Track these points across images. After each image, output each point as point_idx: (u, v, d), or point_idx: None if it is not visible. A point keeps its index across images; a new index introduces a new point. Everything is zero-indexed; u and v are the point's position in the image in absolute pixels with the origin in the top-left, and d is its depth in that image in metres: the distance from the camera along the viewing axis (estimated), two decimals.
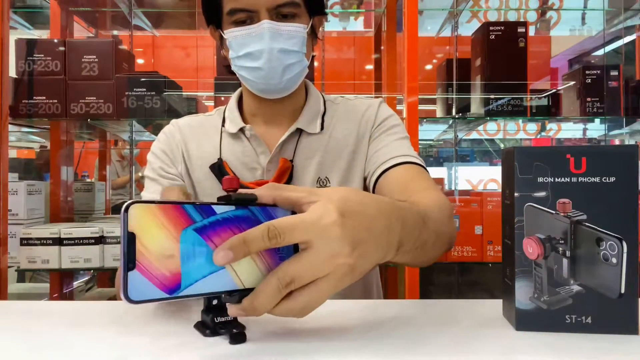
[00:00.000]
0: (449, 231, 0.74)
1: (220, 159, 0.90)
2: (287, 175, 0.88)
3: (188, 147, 0.93)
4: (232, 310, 0.44)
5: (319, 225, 0.43)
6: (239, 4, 0.82)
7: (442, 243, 0.72)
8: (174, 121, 0.98)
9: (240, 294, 0.45)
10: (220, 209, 0.44)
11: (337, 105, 0.97)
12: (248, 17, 0.83)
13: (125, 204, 0.40)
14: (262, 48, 0.82)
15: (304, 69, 0.88)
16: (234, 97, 0.97)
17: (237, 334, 0.48)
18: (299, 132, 0.91)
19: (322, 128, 0.92)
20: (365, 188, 0.91)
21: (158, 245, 0.40)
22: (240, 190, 0.48)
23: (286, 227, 0.42)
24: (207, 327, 0.49)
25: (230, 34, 0.84)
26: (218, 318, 0.48)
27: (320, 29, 0.94)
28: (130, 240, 0.39)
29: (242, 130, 0.91)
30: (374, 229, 0.47)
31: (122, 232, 0.39)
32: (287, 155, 0.90)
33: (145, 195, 0.90)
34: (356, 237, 0.45)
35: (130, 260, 0.39)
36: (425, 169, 0.87)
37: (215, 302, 0.48)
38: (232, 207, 0.45)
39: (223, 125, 0.94)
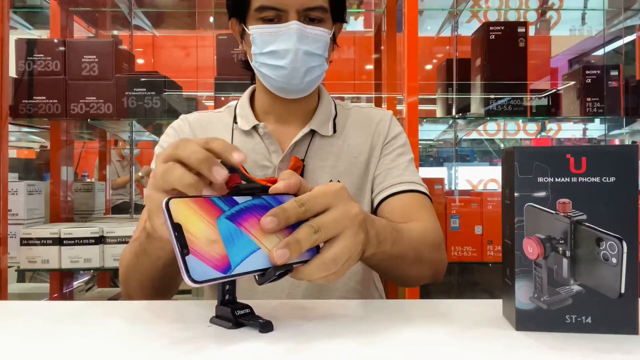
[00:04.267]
0: (432, 257, 0.79)
1: None
2: (298, 174, 0.88)
3: None
4: (278, 251, 0.47)
5: (332, 190, 0.53)
6: (269, 1, 0.83)
7: (425, 267, 0.77)
8: (183, 116, 0.99)
9: (274, 270, 0.49)
10: (240, 199, 0.50)
11: (349, 112, 0.99)
12: (276, 16, 0.84)
13: (164, 200, 0.45)
14: (289, 48, 0.84)
15: (323, 72, 0.90)
16: (245, 94, 0.98)
17: (266, 323, 0.51)
18: (312, 133, 0.93)
19: (334, 131, 0.94)
20: (371, 200, 0.94)
21: (202, 232, 0.46)
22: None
23: (310, 196, 0.51)
24: (228, 320, 0.53)
25: (257, 30, 0.85)
26: (238, 311, 0.53)
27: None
28: (178, 230, 0.44)
29: (255, 127, 0.92)
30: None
31: (168, 224, 0.44)
32: (299, 155, 0.91)
33: None
34: (359, 205, 0.55)
35: (184, 246, 0.44)
36: (429, 197, 0.92)
37: (227, 296, 0.54)
38: (249, 197, 0.51)
39: (235, 122, 0.95)
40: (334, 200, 0.52)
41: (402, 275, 0.76)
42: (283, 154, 0.90)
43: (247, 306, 0.54)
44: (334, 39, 0.93)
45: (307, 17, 0.85)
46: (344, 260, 0.51)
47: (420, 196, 0.90)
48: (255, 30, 0.85)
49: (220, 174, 0.50)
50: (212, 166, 0.50)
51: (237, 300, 0.55)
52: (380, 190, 0.92)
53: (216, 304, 0.54)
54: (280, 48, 0.84)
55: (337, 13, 0.90)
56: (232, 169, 0.90)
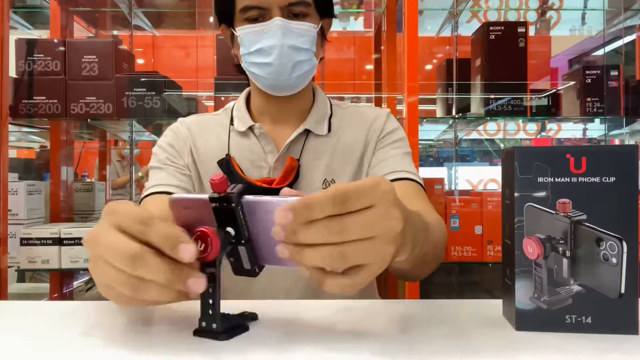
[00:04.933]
0: (441, 253, 0.78)
1: (228, 155, 0.91)
2: (293, 174, 0.89)
3: (196, 142, 0.94)
4: (281, 211, 0.41)
5: (380, 189, 0.44)
6: (252, 1, 0.84)
7: (435, 262, 0.75)
8: (180, 119, 0.99)
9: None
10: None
11: (345, 110, 0.99)
12: (260, 15, 0.85)
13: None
14: (274, 44, 0.84)
15: (313, 68, 0.90)
16: (242, 96, 0.99)
17: (251, 314, 0.53)
18: (307, 132, 0.93)
19: (329, 130, 0.94)
20: None
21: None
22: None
23: (354, 192, 0.42)
24: (216, 333, 0.49)
25: (242, 30, 0.86)
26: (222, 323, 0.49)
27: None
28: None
29: (250, 128, 0.93)
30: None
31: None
32: (294, 155, 0.91)
33: (150, 184, 0.90)
34: (403, 208, 0.47)
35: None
36: (423, 188, 0.91)
37: (211, 311, 0.49)
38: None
39: (232, 124, 0.95)
40: (378, 200, 0.44)
41: (418, 273, 0.74)
42: (278, 153, 0.90)
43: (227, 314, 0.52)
44: (322, 35, 0.93)
45: (291, 12, 0.85)
46: (365, 271, 0.44)
47: (415, 184, 0.89)
48: (241, 31, 0.87)
49: (187, 253, 0.43)
50: (179, 245, 0.43)
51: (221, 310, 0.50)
52: None
53: (199, 317, 0.50)
54: (266, 45, 0.85)
55: (322, 7, 0.90)
56: (231, 172, 0.89)
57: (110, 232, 0.44)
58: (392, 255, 0.45)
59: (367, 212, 0.43)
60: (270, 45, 0.85)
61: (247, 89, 1.00)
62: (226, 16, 0.90)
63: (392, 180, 0.88)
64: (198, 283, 0.44)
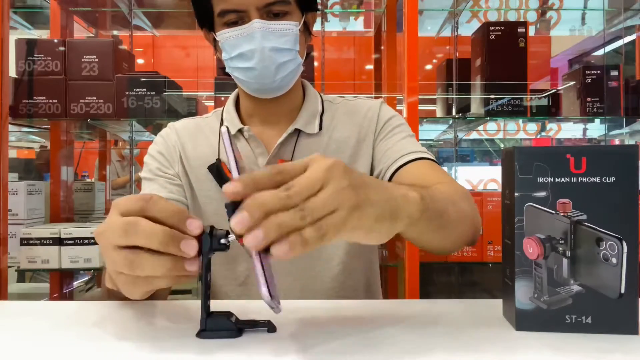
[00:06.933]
0: (470, 211, 0.71)
1: (218, 159, 0.90)
2: None
3: (185, 148, 0.93)
4: (230, 185, 0.42)
5: (316, 157, 0.45)
6: (228, 4, 0.82)
7: (465, 223, 0.68)
8: (170, 124, 0.98)
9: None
10: None
11: (337, 106, 0.97)
12: (239, 18, 0.82)
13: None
14: (254, 48, 0.82)
15: (298, 66, 0.88)
16: (231, 98, 0.97)
17: (269, 323, 0.52)
18: (297, 132, 0.91)
19: (320, 128, 0.92)
20: None
21: None
22: None
23: (288, 163, 0.44)
24: (228, 330, 0.50)
25: (222, 35, 0.84)
26: (232, 318, 0.51)
27: (314, 25, 0.94)
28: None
29: (240, 131, 0.91)
30: (369, 182, 0.47)
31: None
32: (285, 157, 0.90)
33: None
34: (354, 179, 0.45)
35: None
36: (437, 163, 0.87)
37: (208, 302, 0.50)
38: None
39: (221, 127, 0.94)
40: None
41: (443, 236, 0.65)
42: (269, 156, 0.89)
43: (229, 312, 0.52)
44: (307, 31, 0.90)
45: (270, 12, 0.83)
46: (327, 231, 0.42)
47: (427, 161, 0.86)
48: (221, 36, 0.84)
49: (196, 227, 0.46)
50: (186, 219, 0.46)
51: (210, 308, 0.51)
52: (387, 167, 0.87)
53: (201, 317, 0.50)
54: (246, 49, 0.83)
55: (304, 2, 0.87)
56: (221, 177, 0.88)
57: (112, 217, 0.47)
58: (355, 195, 0.44)
59: (306, 172, 0.44)
60: (251, 49, 0.82)
61: (236, 90, 0.98)
62: (206, 21, 0.88)
63: (406, 163, 0.84)
64: (191, 245, 0.45)
